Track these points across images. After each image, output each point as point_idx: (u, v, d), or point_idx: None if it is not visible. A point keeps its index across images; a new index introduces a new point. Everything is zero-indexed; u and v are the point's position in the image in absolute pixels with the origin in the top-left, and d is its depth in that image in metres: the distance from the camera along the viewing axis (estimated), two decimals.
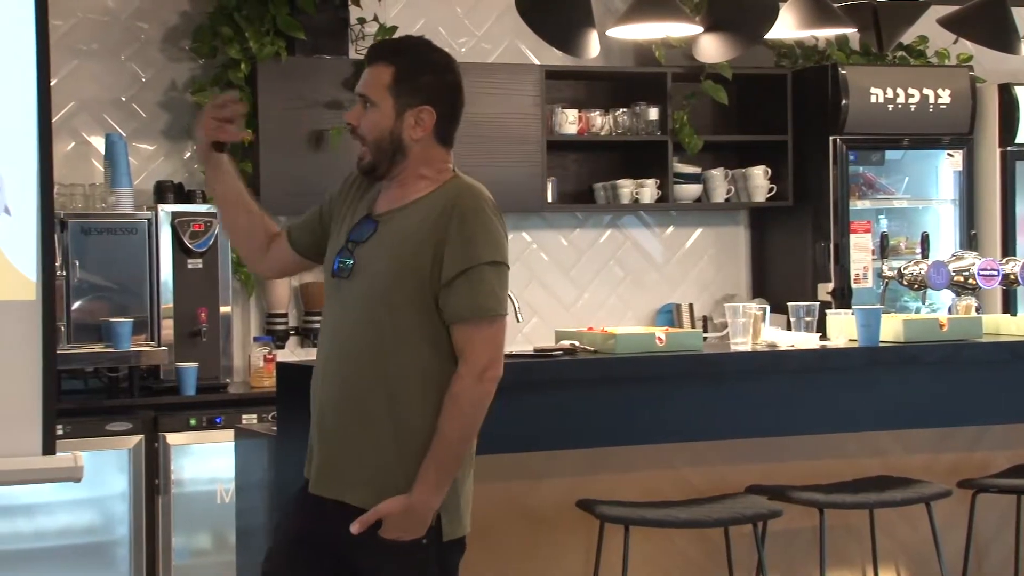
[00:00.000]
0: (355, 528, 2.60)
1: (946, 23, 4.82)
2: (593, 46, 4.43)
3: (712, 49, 4.70)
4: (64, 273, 4.81)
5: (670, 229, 6.34)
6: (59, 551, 4.71)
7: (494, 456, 3.69)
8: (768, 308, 4.04)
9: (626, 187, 5.92)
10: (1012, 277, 4.43)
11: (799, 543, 3.94)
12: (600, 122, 5.90)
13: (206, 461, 4.90)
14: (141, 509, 4.76)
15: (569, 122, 5.83)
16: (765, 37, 4.81)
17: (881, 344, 3.97)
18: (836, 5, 4.72)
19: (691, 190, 6.07)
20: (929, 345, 4.01)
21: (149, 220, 5.02)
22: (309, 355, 5.47)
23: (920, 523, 3.84)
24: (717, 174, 6.11)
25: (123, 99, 5.45)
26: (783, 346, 3.92)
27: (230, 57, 5.26)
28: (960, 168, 6.27)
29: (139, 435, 4.78)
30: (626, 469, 3.78)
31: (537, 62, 5.95)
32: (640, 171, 5.99)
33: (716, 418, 3.82)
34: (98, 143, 5.36)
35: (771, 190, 6.14)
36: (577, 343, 3.87)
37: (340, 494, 2.67)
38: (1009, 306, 6.06)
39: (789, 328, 4.10)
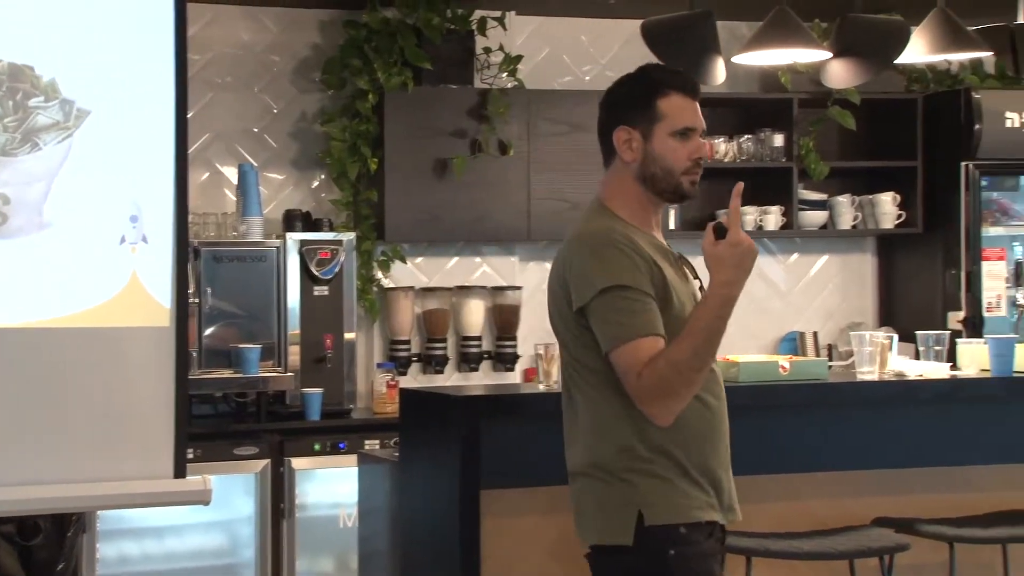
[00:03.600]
0: None
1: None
2: (719, 73, 4.40)
3: (841, 74, 4.62)
4: (196, 300, 4.91)
5: (794, 256, 6.26)
6: (189, 572, 4.81)
7: None
8: (896, 337, 3.97)
9: (750, 214, 5.86)
10: None
11: None
12: (724, 148, 5.87)
13: (330, 486, 4.96)
14: (267, 532, 4.82)
15: None
16: (896, 62, 4.72)
17: (1015, 374, 3.86)
18: (970, 28, 4.59)
19: (816, 217, 5.99)
20: None
21: (278, 248, 5.11)
22: (431, 381, 5.51)
23: None
24: (844, 200, 6.03)
25: (255, 130, 5.58)
26: (912, 376, 3.84)
27: (359, 88, 5.36)
28: None
29: (265, 459, 4.86)
30: (748, 500, 3.72)
31: None
32: (764, 198, 5.94)
33: (841, 449, 3.75)
34: (231, 173, 5.49)
35: (900, 216, 6.03)
36: None
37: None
38: None
39: (918, 357, 4.02)
